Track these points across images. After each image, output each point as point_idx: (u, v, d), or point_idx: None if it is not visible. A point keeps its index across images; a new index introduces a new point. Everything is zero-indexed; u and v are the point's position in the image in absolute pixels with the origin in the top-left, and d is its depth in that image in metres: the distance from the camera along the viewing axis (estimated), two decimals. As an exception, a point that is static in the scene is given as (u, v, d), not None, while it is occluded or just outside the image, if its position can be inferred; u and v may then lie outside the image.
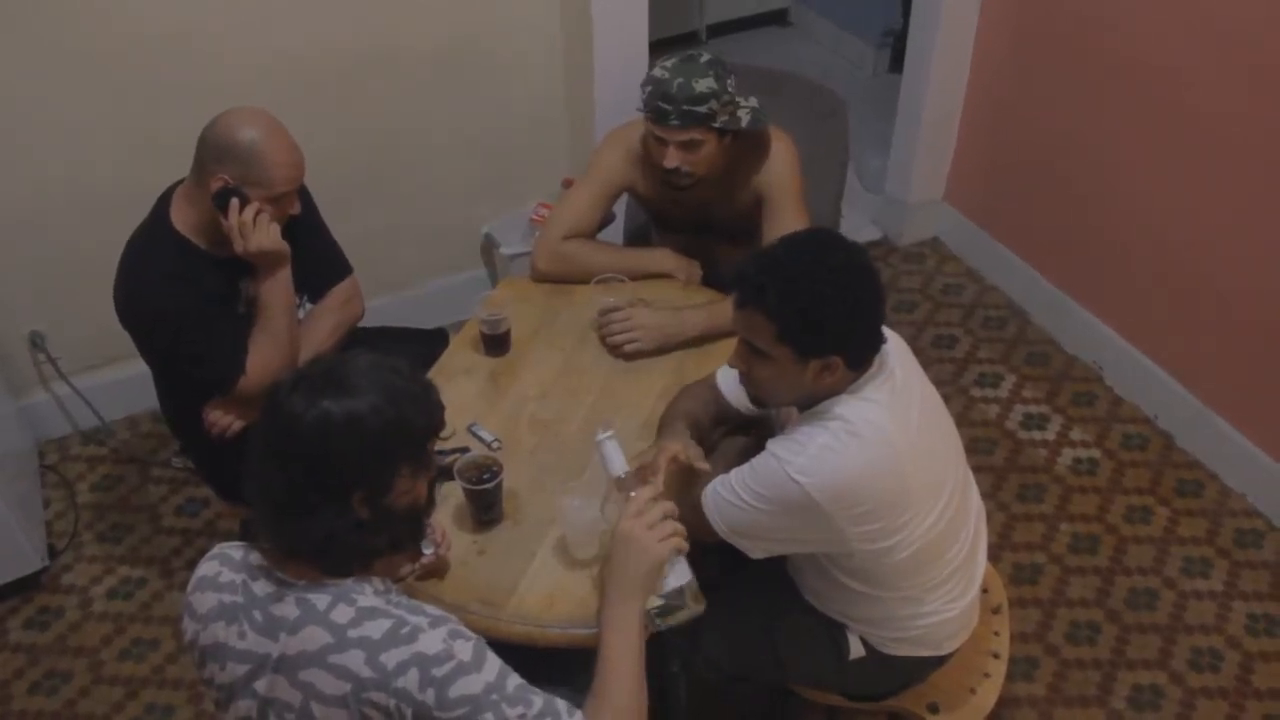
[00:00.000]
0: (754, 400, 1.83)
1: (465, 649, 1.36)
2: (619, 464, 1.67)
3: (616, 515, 1.63)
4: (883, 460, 1.64)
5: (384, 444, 1.36)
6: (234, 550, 1.49)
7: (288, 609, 1.38)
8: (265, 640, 1.39)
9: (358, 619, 1.36)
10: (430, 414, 1.42)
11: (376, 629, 1.35)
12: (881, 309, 1.66)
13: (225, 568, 1.46)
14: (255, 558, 1.44)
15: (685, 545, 1.61)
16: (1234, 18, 2.57)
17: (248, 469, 1.39)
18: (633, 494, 1.63)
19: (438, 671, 1.33)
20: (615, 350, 2.23)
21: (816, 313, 1.59)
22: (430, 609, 1.41)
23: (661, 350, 2.24)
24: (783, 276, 1.61)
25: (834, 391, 1.67)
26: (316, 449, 1.33)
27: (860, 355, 1.66)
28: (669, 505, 1.62)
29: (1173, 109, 2.80)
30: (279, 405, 1.34)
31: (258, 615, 1.40)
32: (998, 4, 3.26)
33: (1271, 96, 2.53)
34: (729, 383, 1.97)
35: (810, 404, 1.71)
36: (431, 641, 1.34)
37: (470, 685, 1.34)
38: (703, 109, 2.16)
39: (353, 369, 1.37)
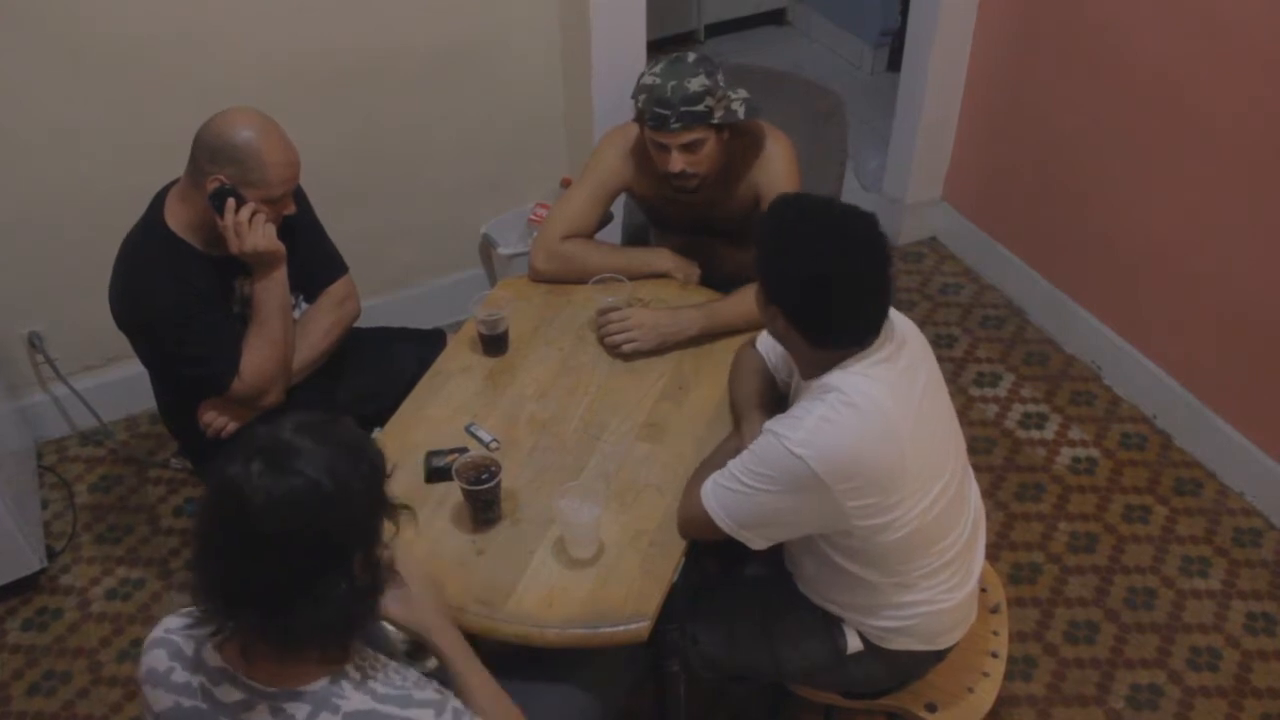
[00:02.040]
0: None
1: None
2: None
3: None
4: (880, 433, 1.64)
5: (368, 496, 1.29)
6: (183, 640, 1.38)
7: (261, 717, 1.30)
8: None
9: None
10: (382, 455, 1.36)
11: None
12: (856, 302, 1.65)
13: (177, 664, 1.36)
14: (211, 656, 1.34)
15: None
16: (1232, 17, 2.57)
17: (218, 586, 1.27)
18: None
19: None
20: (613, 350, 2.23)
21: (775, 255, 1.67)
22: (419, 692, 1.34)
23: (660, 350, 2.24)
24: (776, 215, 1.69)
25: (809, 362, 1.71)
26: (315, 521, 1.23)
27: (816, 333, 1.67)
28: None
29: (1171, 108, 2.80)
30: (247, 495, 1.21)
31: None
32: (995, 3, 3.26)
33: (1271, 96, 2.53)
34: (767, 348, 2.03)
35: (807, 372, 1.73)
36: None
37: None
38: (700, 107, 2.16)
39: (301, 433, 1.27)
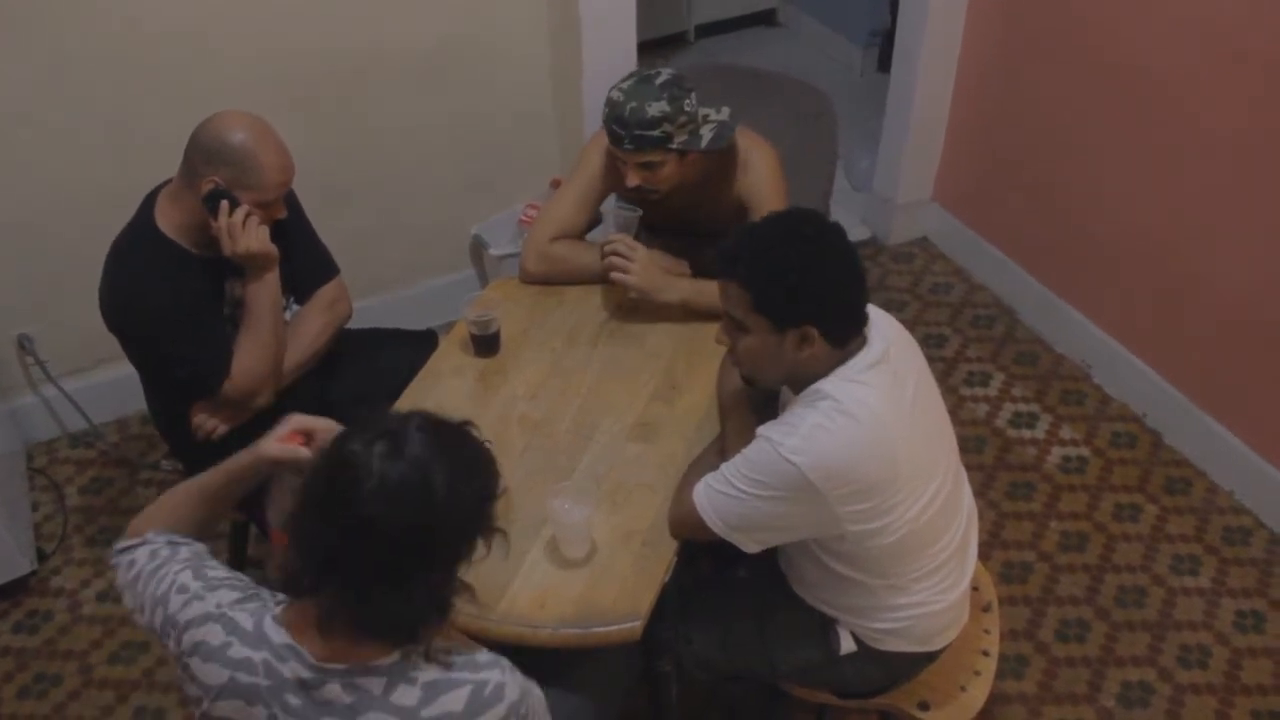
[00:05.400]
0: (744, 378, 1.84)
1: (530, 685, 1.40)
2: None
3: None
4: (874, 439, 1.64)
5: (473, 511, 1.34)
6: (238, 614, 1.38)
7: (334, 693, 1.32)
8: None
9: (427, 697, 1.32)
10: (497, 477, 1.40)
11: (455, 700, 1.32)
12: (857, 284, 1.68)
13: (235, 639, 1.35)
14: (275, 631, 1.35)
15: None
16: (1220, 18, 2.58)
17: (309, 553, 1.30)
18: None
19: (523, 709, 1.37)
20: (607, 270, 2.25)
21: (788, 280, 1.63)
22: (480, 654, 1.38)
23: (643, 298, 2.26)
24: (756, 247, 1.67)
25: (822, 371, 1.69)
26: (416, 518, 1.27)
27: (838, 328, 1.67)
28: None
29: (1159, 107, 2.81)
30: (361, 473, 1.26)
31: (293, 700, 1.32)
32: (984, 3, 3.27)
33: (1258, 96, 2.54)
34: None
35: (800, 384, 1.72)
36: (513, 689, 1.36)
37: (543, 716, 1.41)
38: (656, 133, 2.15)
39: (428, 430, 1.32)
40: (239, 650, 1.35)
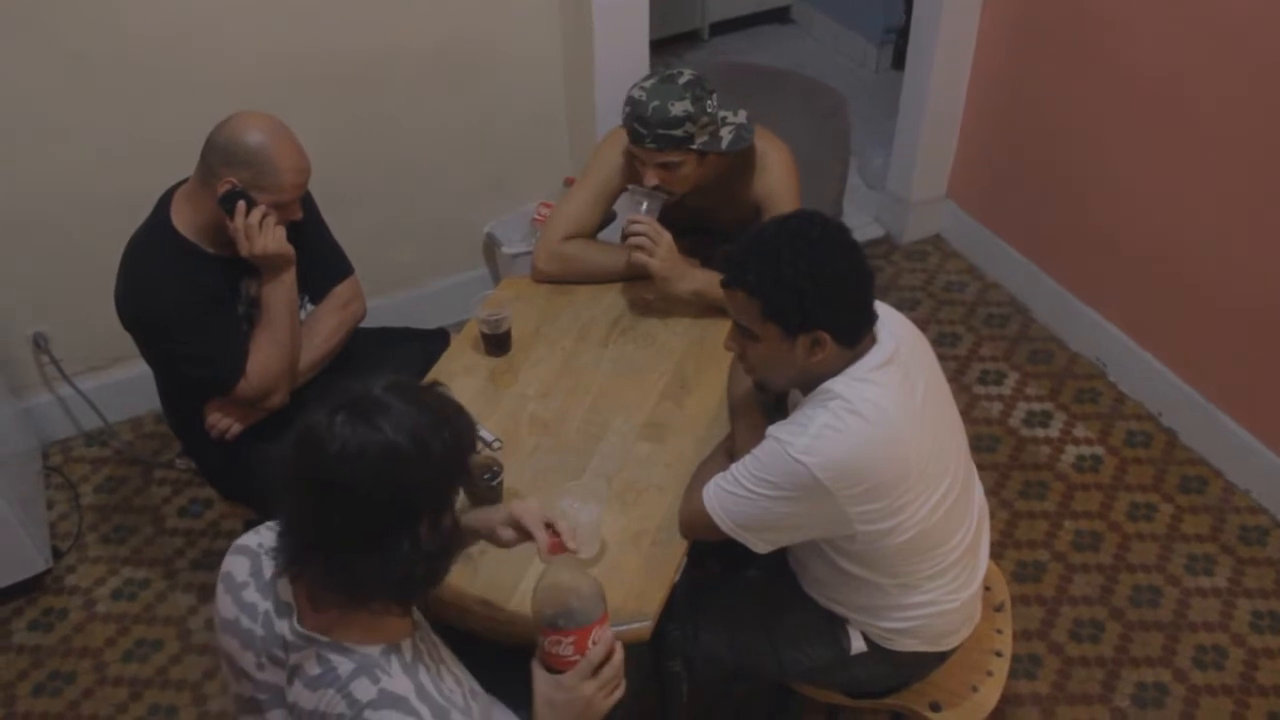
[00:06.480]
0: (756, 385, 1.84)
1: None
2: None
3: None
4: (884, 439, 1.64)
5: (445, 462, 1.31)
6: (267, 559, 1.40)
7: (308, 661, 1.32)
8: (283, 677, 1.35)
9: (379, 702, 1.28)
10: (470, 425, 1.37)
11: None
12: (865, 284, 1.67)
13: (253, 581, 1.39)
14: (284, 588, 1.37)
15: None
16: (1234, 17, 2.56)
17: (288, 525, 1.32)
18: (591, 649, 1.47)
19: None
20: (632, 249, 2.24)
21: (796, 285, 1.61)
22: (459, 715, 1.32)
23: (660, 285, 2.26)
24: (762, 254, 1.64)
25: (832, 371, 1.68)
26: (386, 479, 1.26)
27: (849, 330, 1.66)
28: (617, 652, 1.50)
29: (1175, 105, 2.79)
30: (325, 444, 1.25)
31: (278, 652, 1.35)
32: (999, 1, 3.25)
33: (1273, 95, 2.52)
34: None
35: (810, 384, 1.71)
36: None
37: None
38: (678, 132, 2.15)
39: (390, 392, 1.30)
40: (251, 594, 1.39)
